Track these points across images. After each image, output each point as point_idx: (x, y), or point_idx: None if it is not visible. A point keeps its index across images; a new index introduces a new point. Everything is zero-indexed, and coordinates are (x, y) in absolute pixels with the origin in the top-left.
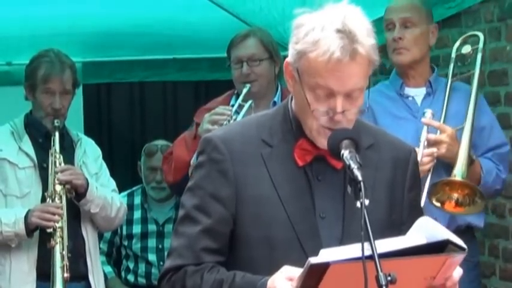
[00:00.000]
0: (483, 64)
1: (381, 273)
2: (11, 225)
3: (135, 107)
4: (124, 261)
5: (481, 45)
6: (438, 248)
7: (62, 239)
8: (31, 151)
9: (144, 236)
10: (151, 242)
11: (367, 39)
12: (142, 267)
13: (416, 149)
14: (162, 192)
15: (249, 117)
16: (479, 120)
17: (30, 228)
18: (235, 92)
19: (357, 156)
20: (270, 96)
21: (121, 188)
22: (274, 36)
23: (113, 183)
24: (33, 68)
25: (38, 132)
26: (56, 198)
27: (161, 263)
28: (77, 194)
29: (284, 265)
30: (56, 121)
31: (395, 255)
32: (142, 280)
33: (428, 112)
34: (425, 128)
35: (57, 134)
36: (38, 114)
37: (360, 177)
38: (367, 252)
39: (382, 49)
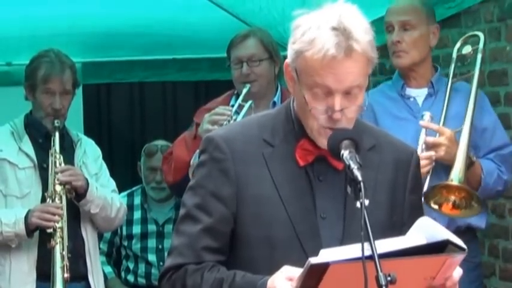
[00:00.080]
0: (483, 64)
1: (380, 273)
2: (11, 226)
3: (135, 107)
4: (124, 262)
5: (481, 45)
6: (438, 248)
7: (62, 239)
8: (31, 151)
9: (144, 236)
10: (151, 242)
11: (363, 36)
12: (142, 268)
13: None
14: (162, 193)
15: (250, 116)
16: (481, 121)
17: (31, 229)
18: (235, 92)
19: (357, 157)
20: (269, 96)
21: (121, 188)
22: (274, 37)
23: (112, 184)
24: (33, 68)
25: (38, 132)
26: (56, 199)
27: (161, 263)
28: (77, 195)
29: (284, 265)
30: (56, 121)
31: (395, 256)
32: (142, 280)
33: (427, 115)
34: (423, 130)
35: (57, 134)
36: (38, 114)
37: (359, 178)
38: (367, 252)
39: (382, 49)
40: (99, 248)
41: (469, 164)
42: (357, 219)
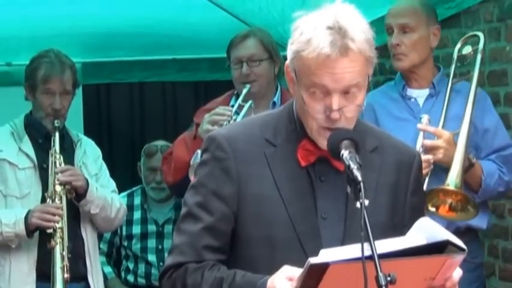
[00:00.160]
0: (482, 65)
1: (380, 274)
2: (11, 226)
3: (134, 108)
4: (124, 262)
5: (481, 45)
6: (438, 248)
7: (62, 239)
8: (31, 152)
9: (144, 236)
10: (151, 243)
11: (359, 35)
12: (142, 268)
13: None
14: (161, 193)
15: (253, 116)
16: (482, 122)
17: (31, 229)
18: (235, 92)
19: (357, 157)
20: (269, 96)
21: (121, 189)
22: (274, 37)
23: (112, 184)
24: (33, 69)
25: (38, 132)
26: (56, 199)
27: (161, 263)
28: (77, 195)
29: (284, 265)
30: (56, 121)
31: (395, 256)
32: (142, 280)
33: (425, 118)
34: (421, 133)
35: (57, 134)
36: (38, 114)
37: (359, 178)
38: (367, 252)
39: (382, 49)
40: (99, 248)
41: (469, 166)
42: (358, 220)
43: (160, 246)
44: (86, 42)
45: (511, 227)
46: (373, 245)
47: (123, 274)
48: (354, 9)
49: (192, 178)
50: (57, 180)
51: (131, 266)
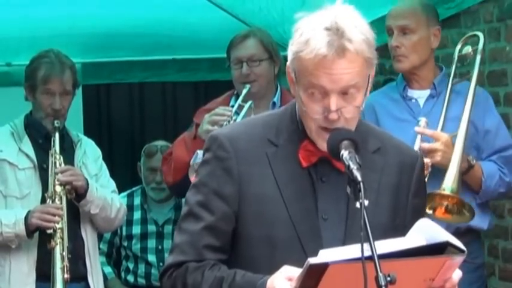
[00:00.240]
0: (482, 65)
1: (380, 274)
2: (11, 226)
3: (134, 108)
4: (124, 262)
5: (480, 45)
6: (437, 249)
7: (62, 240)
8: (31, 152)
9: (144, 236)
10: (151, 243)
11: (357, 36)
12: (142, 268)
13: None
14: (161, 193)
15: (255, 116)
16: (484, 123)
17: (31, 229)
18: (235, 92)
19: (357, 157)
20: (269, 96)
21: (121, 189)
22: (274, 37)
23: (112, 184)
24: (33, 69)
25: (38, 133)
26: (56, 199)
27: (161, 263)
28: (77, 195)
29: (284, 265)
30: (56, 122)
31: (394, 256)
32: (142, 281)
33: (422, 121)
34: (419, 136)
35: (57, 134)
36: (38, 115)
37: (359, 178)
38: (367, 252)
39: (382, 49)
40: (99, 249)
41: (468, 168)
42: (359, 221)
43: (160, 247)
44: (85, 42)
45: (510, 227)
46: (373, 245)
47: (123, 274)
48: (354, 10)
49: (191, 178)
50: (57, 180)
51: (131, 266)
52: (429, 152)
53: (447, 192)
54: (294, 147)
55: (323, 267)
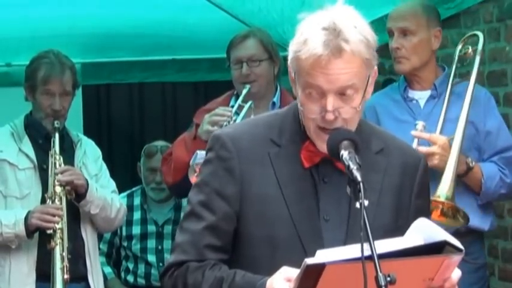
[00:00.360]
0: (482, 65)
1: (380, 274)
2: (11, 227)
3: (134, 108)
4: (124, 262)
5: (480, 46)
6: (435, 249)
7: (62, 240)
8: (31, 152)
9: (144, 236)
10: (151, 243)
11: (354, 36)
12: (141, 268)
13: None
14: (161, 193)
15: (258, 116)
16: (485, 124)
17: (30, 230)
18: (235, 92)
19: (357, 157)
20: (269, 96)
21: (121, 189)
22: (274, 37)
23: (112, 184)
24: (33, 69)
25: (38, 133)
26: (56, 200)
27: (160, 263)
28: (77, 195)
29: (285, 265)
30: (55, 122)
31: (392, 256)
32: (141, 281)
33: (420, 124)
34: (415, 140)
35: (57, 135)
36: (38, 115)
37: (359, 178)
38: (366, 252)
39: (382, 49)
40: (99, 249)
41: (467, 170)
42: (360, 222)
43: (160, 247)
44: (85, 42)
45: (510, 227)
46: (372, 245)
47: (123, 274)
48: (354, 11)
49: (191, 179)
50: (57, 180)
51: (131, 266)
52: (427, 156)
53: (442, 199)
54: (296, 148)
55: (320, 268)
